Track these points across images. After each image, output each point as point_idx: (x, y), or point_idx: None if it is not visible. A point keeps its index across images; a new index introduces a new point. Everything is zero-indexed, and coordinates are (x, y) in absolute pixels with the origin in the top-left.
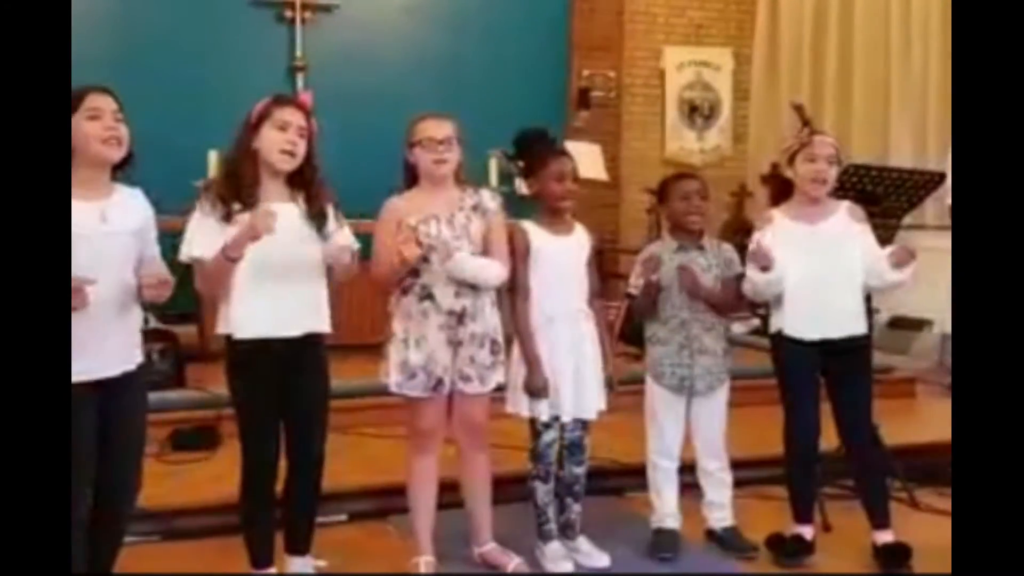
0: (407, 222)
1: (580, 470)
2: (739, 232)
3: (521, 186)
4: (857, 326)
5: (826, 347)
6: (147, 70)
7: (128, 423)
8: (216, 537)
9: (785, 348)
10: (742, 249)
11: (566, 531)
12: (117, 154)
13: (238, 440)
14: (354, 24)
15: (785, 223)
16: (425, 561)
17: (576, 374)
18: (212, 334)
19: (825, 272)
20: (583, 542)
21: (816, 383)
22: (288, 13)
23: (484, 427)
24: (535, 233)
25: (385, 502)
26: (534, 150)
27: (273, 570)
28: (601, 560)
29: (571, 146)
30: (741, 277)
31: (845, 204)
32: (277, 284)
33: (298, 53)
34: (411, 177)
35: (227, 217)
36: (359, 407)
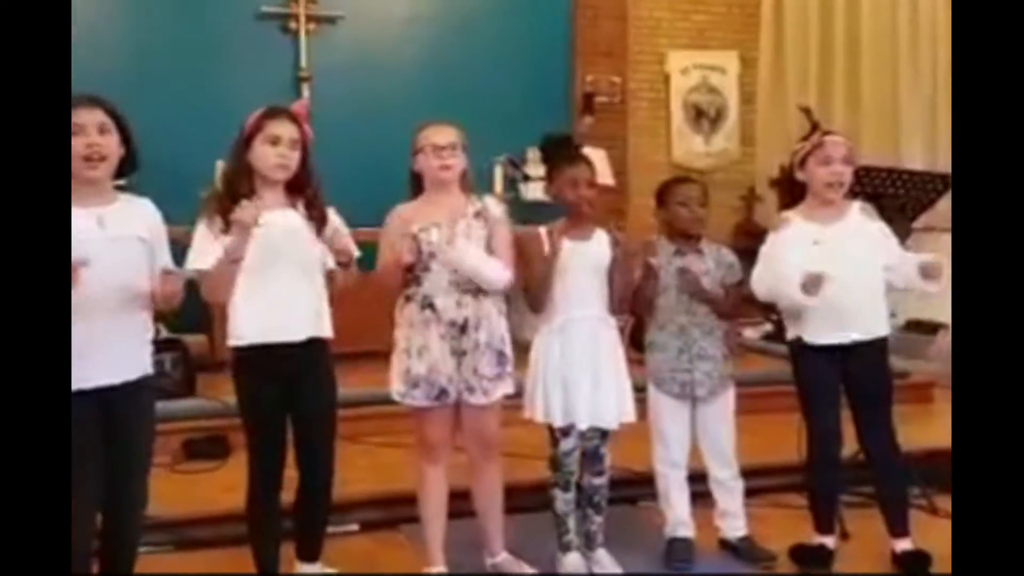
0: (410, 230)
1: (599, 481)
2: (749, 236)
3: (526, 191)
4: (876, 328)
5: (845, 351)
6: (153, 82)
7: (129, 433)
8: (229, 547)
9: (803, 355)
10: (753, 253)
11: (587, 542)
12: (96, 172)
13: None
14: (358, 35)
15: (799, 225)
16: (437, 572)
17: (593, 382)
18: (222, 343)
19: (840, 274)
20: (602, 555)
21: (836, 391)
22: (292, 24)
23: (494, 438)
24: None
25: (397, 511)
26: (554, 156)
27: None
28: (615, 571)
29: None
30: (742, 283)
31: (856, 204)
32: (279, 288)
33: (303, 64)
34: (417, 186)
35: (226, 230)
36: (368, 415)
